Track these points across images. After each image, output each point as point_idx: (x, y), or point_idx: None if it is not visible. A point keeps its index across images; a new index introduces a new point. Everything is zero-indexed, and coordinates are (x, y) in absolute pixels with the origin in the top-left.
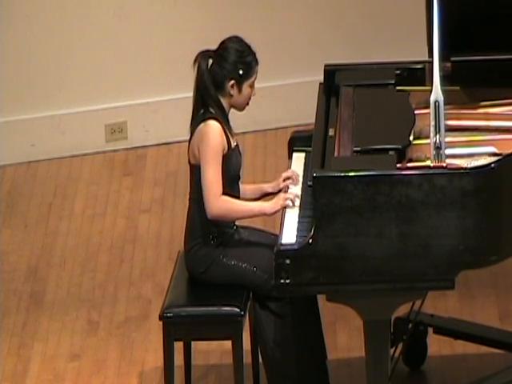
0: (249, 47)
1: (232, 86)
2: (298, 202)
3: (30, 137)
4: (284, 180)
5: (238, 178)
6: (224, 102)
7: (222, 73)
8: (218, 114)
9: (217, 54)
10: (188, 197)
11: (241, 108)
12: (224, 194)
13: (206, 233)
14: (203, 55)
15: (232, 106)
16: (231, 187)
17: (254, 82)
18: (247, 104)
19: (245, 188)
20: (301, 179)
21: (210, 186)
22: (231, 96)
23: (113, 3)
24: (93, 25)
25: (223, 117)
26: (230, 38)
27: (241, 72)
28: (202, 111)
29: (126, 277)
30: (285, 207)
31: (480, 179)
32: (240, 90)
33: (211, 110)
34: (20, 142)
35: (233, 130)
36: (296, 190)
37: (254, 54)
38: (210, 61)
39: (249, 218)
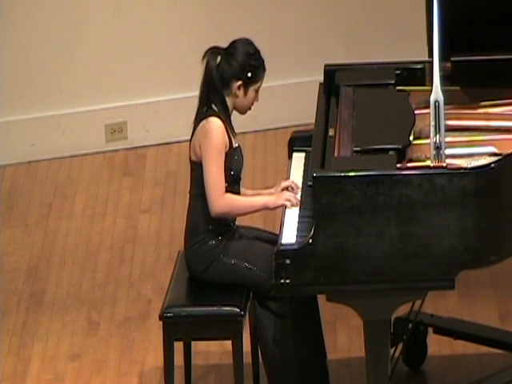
0: (258, 52)
1: (239, 87)
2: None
3: (30, 137)
4: (282, 190)
5: (239, 178)
6: (228, 101)
7: (231, 71)
8: (221, 113)
9: (227, 53)
10: (188, 195)
11: (243, 111)
12: (226, 191)
13: (207, 231)
14: (212, 52)
15: (235, 107)
16: (232, 187)
17: (259, 88)
18: (249, 108)
19: (246, 194)
20: (300, 185)
21: (213, 184)
22: (236, 96)
23: (112, 3)
24: (93, 25)
25: (226, 116)
26: (240, 40)
27: (249, 75)
28: (205, 108)
29: (126, 277)
30: (285, 206)
31: (480, 179)
32: (245, 93)
33: (214, 107)
34: (20, 142)
35: (234, 131)
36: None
37: (262, 60)
38: (219, 58)
39: (250, 215)
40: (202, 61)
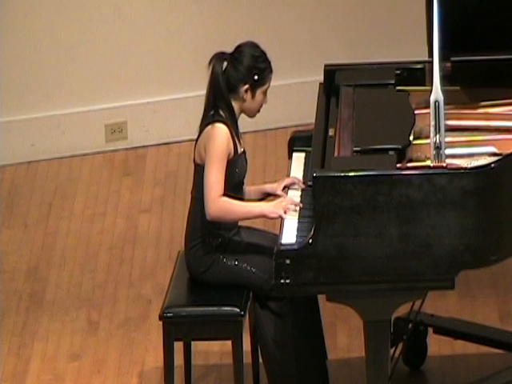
0: (264, 54)
1: (246, 91)
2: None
3: (30, 137)
4: (285, 187)
5: (242, 184)
6: (235, 105)
7: (237, 76)
8: (228, 118)
9: (233, 57)
10: (190, 196)
11: (252, 114)
12: (226, 195)
13: (207, 232)
14: (218, 57)
15: (243, 110)
16: (235, 193)
17: (267, 90)
18: (258, 111)
19: (249, 190)
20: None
21: (210, 187)
22: (244, 100)
23: (113, 3)
24: (93, 25)
25: (232, 121)
26: (246, 43)
27: (256, 77)
28: (212, 112)
29: (126, 277)
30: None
31: (480, 179)
32: (253, 96)
33: (221, 112)
34: (20, 142)
35: (241, 136)
36: (297, 198)
37: (269, 61)
38: (225, 64)
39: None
40: (207, 66)
